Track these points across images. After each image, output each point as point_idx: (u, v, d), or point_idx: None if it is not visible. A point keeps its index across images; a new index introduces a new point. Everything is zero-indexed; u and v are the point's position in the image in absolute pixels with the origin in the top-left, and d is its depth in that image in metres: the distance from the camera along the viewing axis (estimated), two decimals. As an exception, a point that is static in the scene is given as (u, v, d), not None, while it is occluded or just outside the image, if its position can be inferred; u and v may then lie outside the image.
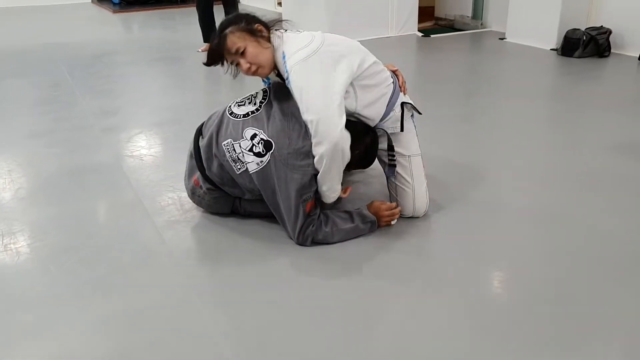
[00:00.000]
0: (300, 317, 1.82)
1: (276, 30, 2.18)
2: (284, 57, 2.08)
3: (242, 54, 2.09)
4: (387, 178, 2.44)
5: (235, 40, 2.09)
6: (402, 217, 2.38)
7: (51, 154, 3.20)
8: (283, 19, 2.26)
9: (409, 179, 2.36)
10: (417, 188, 2.35)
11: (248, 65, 2.11)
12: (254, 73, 2.15)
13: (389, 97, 2.28)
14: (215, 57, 2.16)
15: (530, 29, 5.67)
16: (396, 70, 2.42)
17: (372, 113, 2.23)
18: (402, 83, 2.39)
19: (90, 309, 1.88)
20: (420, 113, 2.45)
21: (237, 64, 2.15)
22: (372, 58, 2.27)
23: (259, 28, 2.12)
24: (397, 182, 2.38)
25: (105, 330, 1.79)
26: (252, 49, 2.09)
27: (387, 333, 1.75)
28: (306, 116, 2.02)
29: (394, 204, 2.33)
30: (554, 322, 1.76)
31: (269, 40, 2.14)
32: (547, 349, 1.66)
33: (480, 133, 3.41)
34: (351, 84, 2.14)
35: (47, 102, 4.18)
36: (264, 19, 2.20)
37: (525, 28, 5.74)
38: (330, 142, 2.00)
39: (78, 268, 2.11)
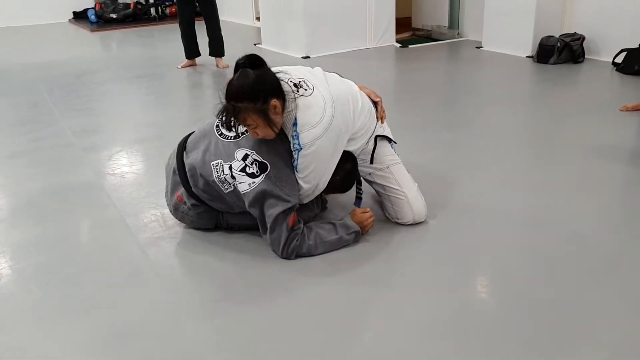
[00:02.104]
0: (288, 328, 1.82)
1: (287, 84, 2.12)
2: (295, 123, 2.09)
3: (253, 128, 2.08)
4: (377, 192, 2.49)
5: (248, 118, 2.03)
6: (404, 225, 2.40)
7: (32, 174, 3.18)
8: (285, 73, 2.19)
9: (397, 187, 2.39)
10: (408, 193, 2.38)
11: (256, 135, 2.11)
12: (261, 138, 2.15)
13: (369, 137, 2.36)
14: (227, 120, 2.07)
15: (506, 37, 5.76)
16: (378, 102, 2.43)
17: (353, 149, 2.31)
18: (381, 112, 2.43)
19: (77, 328, 1.87)
20: (395, 142, 2.49)
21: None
22: (366, 103, 2.32)
23: (274, 105, 2.03)
24: (387, 194, 2.41)
25: (92, 349, 1.78)
26: (264, 128, 2.06)
27: (373, 340, 1.77)
28: (304, 185, 2.17)
29: (370, 212, 2.35)
30: (539, 325, 1.79)
31: (282, 106, 2.08)
32: (532, 352, 1.68)
33: (461, 141, 3.45)
34: None
35: (26, 122, 4.15)
36: (278, 74, 2.11)
37: (500, 36, 5.83)
38: (308, 198, 2.28)
39: (62, 288, 2.09)
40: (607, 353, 1.67)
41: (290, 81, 2.14)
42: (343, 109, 2.16)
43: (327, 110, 2.10)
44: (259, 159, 2.13)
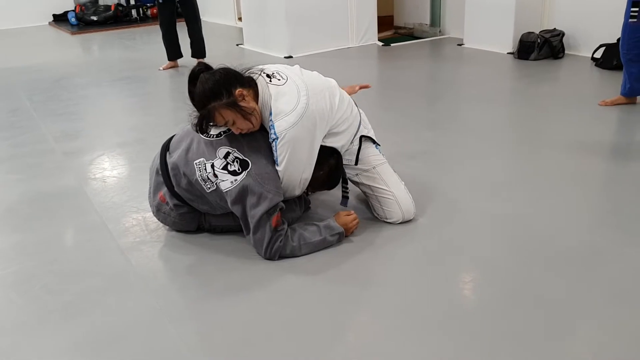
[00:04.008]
0: (272, 329, 1.82)
1: (261, 76, 2.17)
2: (270, 113, 2.12)
3: (232, 124, 2.12)
4: (364, 193, 2.49)
5: (222, 116, 2.09)
6: (394, 224, 2.41)
7: (12, 180, 3.14)
8: (258, 66, 2.25)
9: (384, 187, 2.39)
10: (396, 192, 2.39)
11: (239, 130, 2.14)
12: (246, 132, 2.17)
13: (354, 134, 2.37)
14: (206, 126, 2.15)
15: (487, 34, 5.80)
16: (361, 87, 2.49)
17: (336, 145, 2.32)
18: (362, 87, 2.47)
19: (58, 336, 1.85)
20: (379, 145, 2.49)
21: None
22: (345, 98, 2.34)
23: (241, 94, 2.09)
24: (375, 194, 2.41)
25: (74, 356, 1.76)
26: (241, 120, 2.10)
27: (358, 340, 1.77)
28: (285, 179, 2.18)
29: (355, 214, 2.36)
30: (527, 321, 1.80)
31: (254, 95, 2.13)
32: (520, 347, 1.69)
33: (444, 139, 3.46)
34: None
35: (5, 127, 4.10)
36: (239, 68, 2.18)
37: (481, 33, 5.87)
38: (292, 194, 2.28)
39: (43, 295, 2.07)
40: (593, 346, 1.69)
41: (263, 72, 2.19)
42: (318, 98, 2.16)
43: (302, 98, 2.11)
44: (240, 156, 2.13)
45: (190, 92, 2.13)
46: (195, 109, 2.13)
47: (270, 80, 2.16)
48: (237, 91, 2.08)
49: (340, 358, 1.70)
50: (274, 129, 2.10)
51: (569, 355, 1.66)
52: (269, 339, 1.78)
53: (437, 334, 1.76)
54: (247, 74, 2.18)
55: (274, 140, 2.11)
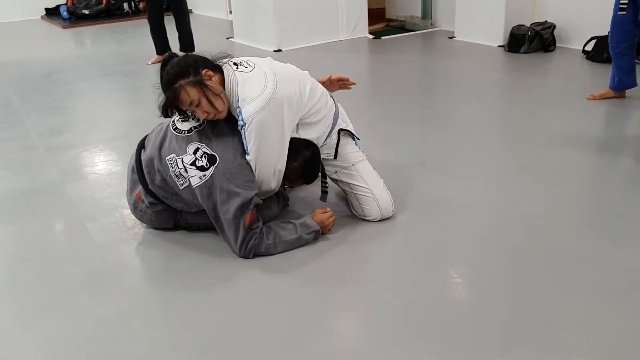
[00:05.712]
0: (244, 329, 1.80)
1: (227, 64, 2.16)
2: (237, 100, 2.09)
3: (197, 105, 2.09)
4: (343, 191, 2.47)
5: (188, 94, 2.07)
6: (372, 221, 2.39)
7: (-7, 177, 3.13)
8: (228, 54, 2.25)
9: (363, 184, 2.37)
10: (374, 190, 2.37)
11: (205, 114, 2.12)
12: (213, 118, 2.14)
13: (329, 126, 2.34)
14: (171, 110, 2.13)
15: (478, 27, 5.76)
16: (331, 80, 2.45)
17: (311, 137, 2.30)
18: (339, 80, 2.49)
19: (31, 335, 1.84)
20: (358, 139, 2.47)
21: (194, 112, 2.14)
22: (318, 88, 2.32)
23: (207, 74, 2.09)
24: (354, 192, 2.39)
25: (45, 356, 1.75)
26: (206, 100, 2.08)
27: (331, 340, 1.76)
28: (258, 169, 2.14)
29: (331, 211, 2.34)
30: (505, 321, 1.79)
31: (221, 81, 2.12)
32: (499, 347, 1.68)
33: (433, 132, 3.44)
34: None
35: (-9, 123, 4.08)
36: (208, 54, 2.18)
37: (472, 26, 5.83)
38: (268, 187, 2.24)
39: (16, 294, 2.06)
40: (575, 347, 1.68)
41: (231, 61, 2.19)
42: (286, 84, 2.14)
43: (269, 83, 2.10)
44: (209, 151, 2.11)
45: (161, 78, 2.12)
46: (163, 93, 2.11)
47: (237, 68, 2.15)
48: (204, 71, 2.09)
49: (314, 356, 1.68)
50: (241, 115, 2.08)
51: (552, 356, 1.64)
52: (241, 338, 1.76)
53: (415, 332, 1.75)
54: (215, 62, 2.17)
55: (242, 127, 2.09)
